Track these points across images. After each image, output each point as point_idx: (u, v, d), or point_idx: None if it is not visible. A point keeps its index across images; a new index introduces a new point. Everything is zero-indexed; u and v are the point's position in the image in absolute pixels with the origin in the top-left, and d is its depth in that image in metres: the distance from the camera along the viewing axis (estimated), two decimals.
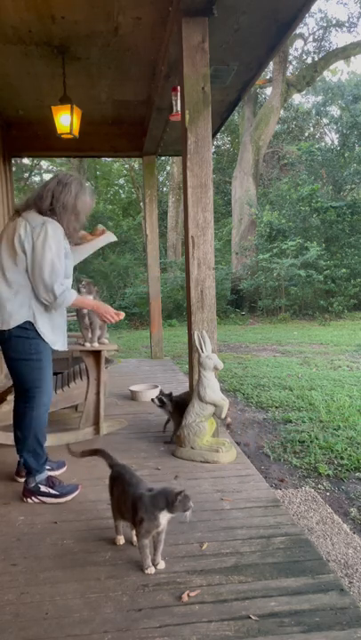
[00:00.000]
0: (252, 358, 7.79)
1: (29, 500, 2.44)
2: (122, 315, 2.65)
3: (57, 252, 2.30)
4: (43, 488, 2.45)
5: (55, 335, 2.45)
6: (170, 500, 1.73)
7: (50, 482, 2.48)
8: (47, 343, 2.41)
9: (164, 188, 20.43)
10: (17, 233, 2.31)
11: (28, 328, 2.36)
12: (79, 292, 3.20)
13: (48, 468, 2.62)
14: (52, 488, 2.46)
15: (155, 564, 1.83)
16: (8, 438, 3.17)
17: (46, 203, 2.36)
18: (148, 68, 4.22)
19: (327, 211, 13.48)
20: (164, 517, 1.77)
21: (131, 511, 1.82)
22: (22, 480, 2.64)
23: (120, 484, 1.95)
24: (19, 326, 2.34)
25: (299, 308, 13.54)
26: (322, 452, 3.73)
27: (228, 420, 3.11)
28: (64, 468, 2.79)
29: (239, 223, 15.15)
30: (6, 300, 2.34)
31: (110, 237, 2.90)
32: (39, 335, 2.37)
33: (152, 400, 3.20)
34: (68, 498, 2.45)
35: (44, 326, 2.38)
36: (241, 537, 2.06)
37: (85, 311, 3.20)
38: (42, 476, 2.48)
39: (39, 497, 2.44)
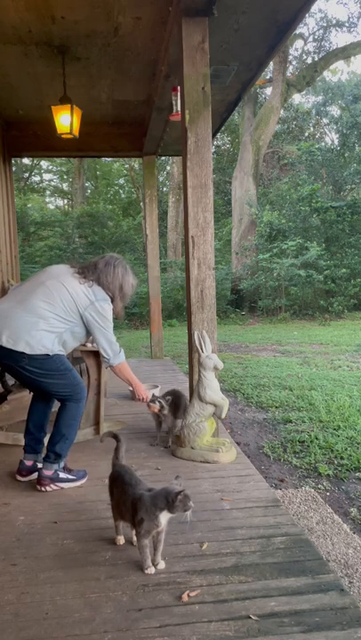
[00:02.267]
0: (252, 358, 7.79)
1: (47, 488, 2.51)
2: (148, 398, 2.93)
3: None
4: (62, 474, 2.56)
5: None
6: (170, 499, 1.73)
7: (67, 469, 2.61)
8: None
9: (164, 188, 20.43)
10: (81, 293, 2.51)
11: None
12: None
13: (73, 478, 2.66)
14: (69, 473, 2.58)
15: (155, 564, 1.83)
16: (8, 438, 3.18)
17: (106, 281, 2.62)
18: (148, 67, 4.22)
19: (327, 211, 13.48)
20: (165, 517, 1.77)
21: (131, 511, 1.82)
22: (23, 479, 2.65)
23: (120, 484, 1.95)
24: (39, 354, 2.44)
25: (299, 307, 13.54)
26: (322, 452, 3.73)
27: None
28: (85, 479, 2.82)
29: (239, 223, 15.14)
30: (37, 330, 2.41)
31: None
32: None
33: (154, 402, 3.13)
34: (83, 480, 2.61)
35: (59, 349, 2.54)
36: (241, 537, 2.06)
37: None
38: (62, 464, 2.58)
39: (58, 483, 2.53)
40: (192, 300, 3.00)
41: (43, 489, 2.52)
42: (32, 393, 2.77)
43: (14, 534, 2.13)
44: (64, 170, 22.04)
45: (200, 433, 2.94)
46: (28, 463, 2.68)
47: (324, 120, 19.46)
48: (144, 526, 1.76)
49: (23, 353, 2.37)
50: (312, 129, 20.32)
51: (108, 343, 2.59)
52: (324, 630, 1.51)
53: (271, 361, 7.43)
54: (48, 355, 2.43)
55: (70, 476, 2.58)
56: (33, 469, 2.66)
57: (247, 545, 1.99)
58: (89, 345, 3.26)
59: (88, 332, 2.59)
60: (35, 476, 2.61)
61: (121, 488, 1.92)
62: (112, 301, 2.62)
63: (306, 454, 3.72)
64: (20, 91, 4.66)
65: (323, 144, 18.23)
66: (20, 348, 2.36)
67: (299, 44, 18.25)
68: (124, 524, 1.99)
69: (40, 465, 2.60)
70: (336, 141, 18.21)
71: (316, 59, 16.45)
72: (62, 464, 2.58)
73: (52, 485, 2.52)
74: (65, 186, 23.62)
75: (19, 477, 2.68)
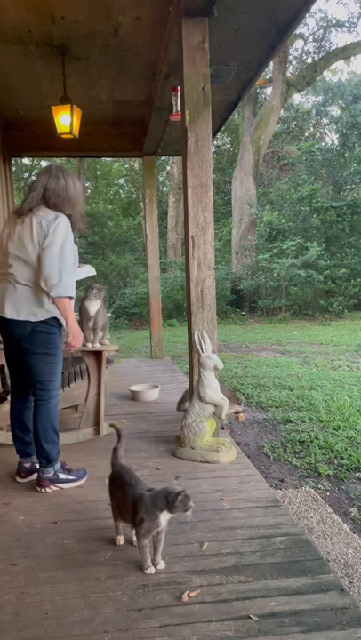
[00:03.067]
0: (252, 358, 7.79)
1: (47, 489, 2.51)
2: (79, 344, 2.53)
3: (67, 241, 2.38)
4: (61, 475, 2.55)
5: None
6: (170, 500, 1.73)
7: (65, 469, 2.60)
8: (62, 338, 2.51)
9: (164, 188, 20.43)
10: (33, 230, 2.38)
11: (52, 324, 2.46)
12: (88, 297, 3.25)
13: (73, 478, 2.65)
14: (69, 474, 2.58)
15: (155, 564, 1.83)
16: (8, 438, 3.18)
17: (46, 198, 2.45)
18: (148, 68, 4.22)
19: (327, 211, 13.48)
20: (165, 517, 1.77)
21: (131, 511, 1.82)
22: (23, 480, 2.66)
23: (120, 484, 1.95)
24: (43, 321, 2.43)
25: (299, 307, 13.54)
26: (322, 452, 3.73)
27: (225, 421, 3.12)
28: (85, 478, 2.80)
29: (239, 223, 15.14)
30: (34, 294, 2.41)
31: (90, 271, 2.98)
32: (61, 329, 2.49)
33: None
34: (84, 480, 2.60)
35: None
36: (241, 537, 2.06)
37: (92, 314, 3.25)
38: (58, 464, 2.57)
39: (58, 484, 2.53)
40: (192, 300, 3.00)
41: (42, 490, 2.52)
42: (9, 397, 2.74)
43: (14, 534, 2.13)
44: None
45: (200, 433, 2.94)
46: (27, 465, 2.69)
47: (324, 120, 19.47)
48: (144, 526, 1.76)
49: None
50: (312, 129, 20.32)
51: (52, 267, 2.30)
52: (324, 630, 1.51)
53: (271, 361, 7.43)
54: (50, 324, 2.45)
55: (70, 477, 2.58)
56: (32, 470, 2.67)
57: (247, 545, 1.99)
58: (89, 345, 3.26)
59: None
60: (35, 475, 2.62)
61: (121, 488, 1.92)
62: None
63: (306, 454, 3.72)
64: (20, 91, 4.66)
65: (323, 144, 18.23)
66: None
67: (299, 44, 18.27)
68: (124, 523, 1.99)
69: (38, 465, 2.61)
70: (336, 141, 18.21)
71: (316, 59, 16.44)
72: (58, 465, 2.57)
73: (51, 486, 2.52)
74: None
75: (18, 479, 2.69)
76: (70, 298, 2.40)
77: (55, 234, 2.35)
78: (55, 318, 2.46)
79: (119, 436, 2.16)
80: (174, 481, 1.82)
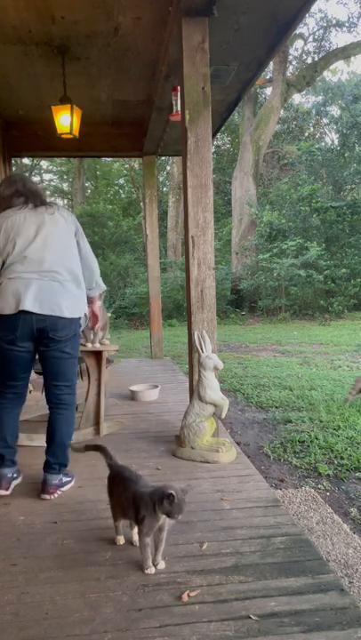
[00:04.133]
0: (252, 358, 7.79)
1: (54, 495, 2.46)
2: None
3: None
4: (64, 479, 2.54)
5: None
6: (157, 498, 1.71)
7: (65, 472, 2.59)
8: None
9: (164, 188, 20.43)
10: (67, 222, 2.46)
11: (80, 324, 2.50)
12: None
13: (68, 479, 2.63)
14: (66, 476, 2.56)
15: (155, 564, 1.83)
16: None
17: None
18: (148, 67, 4.22)
19: (327, 211, 13.48)
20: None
21: (133, 508, 1.82)
22: (50, 497, 2.48)
23: (120, 481, 1.95)
24: (79, 320, 2.47)
25: (299, 307, 13.54)
26: (322, 452, 3.73)
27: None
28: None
29: (239, 223, 15.14)
30: (75, 289, 2.46)
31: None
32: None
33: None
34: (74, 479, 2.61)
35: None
36: (241, 537, 2.05)
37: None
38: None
39: (61, 489, 2.51)
40: (192, 300, 3.00)
41: (50, 497, 2.44)
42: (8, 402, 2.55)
43: (14, 534, 2.13)
44: (64, 170, 22.04)
45: (200, 433, 2.94)
46: (9, 475, 2.54)
47: (324, 120, 19.47)
48: (146, 523, 1.76)
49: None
50: (312, 129, 20.32)
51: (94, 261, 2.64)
52: (324, 630, 1.50)
53: (271, 361, 7.43)
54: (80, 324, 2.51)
55: (66, 478, 2.56)
56: (13, 479, 2.57)
57: (247, 545, 1.99)
58: (89, 345, 3.26)
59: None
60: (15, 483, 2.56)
61: (122, 485, 1.92)
62: None
63: (306, 454, 3.72)
64: (20, 91, 4.66)
65: (323, 144, 18.23)
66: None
67: (299, 44, 18.26)
68: (125, 523, 1.99)
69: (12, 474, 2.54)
70: (336, 141, 18.21)
71: (316, 59, 16.44)
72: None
73: (57, 492, 2.48)
74: (65, 186, 23.62)
75: (5, 492, 2.49)
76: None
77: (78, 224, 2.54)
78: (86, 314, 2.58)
79: (97, 448, 2.14)
80: (182, 485, 1.78)
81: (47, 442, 2.50)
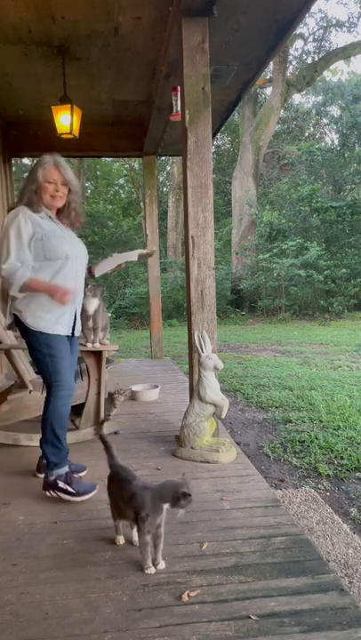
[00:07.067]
0: (252, 358, 7.79)
1: (48, 492, 2.44)
2: (68, 295, 2.38)
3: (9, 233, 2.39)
4: (60, 484, 2.42)
5: (48, 319, 2.43)
6: (178, 495, 1.75)
7: (68, 478, 2.45)
8: (50, 334, 2.44)
9: (164, 188, 20.42)
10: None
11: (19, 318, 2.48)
12: (84, 296, 3.21)
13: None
14: (69, 485, 2.42)
15: (155, 564, 1.83)
16: (8, 438, 3.18)
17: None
18: (148, 67, 4.22)
19: (327, 211, 13.48)
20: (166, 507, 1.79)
21: (130, 507, 1.82)
22: (41, 476, 2.56)
23: (117, 481, 1.95)
24: (15, 316, 2.47)
25: (299, 307, 13.54)
26: (322, 452, 3.73)
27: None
28: (83, 472, 2.73)
29: (239, 223, 15.14)
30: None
31: (132, 256, 2.96)
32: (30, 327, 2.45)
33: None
34: (84, 497, 2.40)
35: (31, 317, 2.43)
36: (241, 537, 2.05)
37: (90, 313, 3.22)
38: (60, 471, 2.45)
39: (57, 491, 2.43)
40: (192, 300, 3.00)
41: (45, 493, 2.44)
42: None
43: (14, 534, 2.13)
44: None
45: (200, 433, 2.94)
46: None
47: (324, 120, 19.47)
48: (149, 521, 1.76)
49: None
50: (312, 129, 20.32)
51: None
52: (324, 630, 1.50)
53: (271, 361, 7.43)
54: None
55: (70, 489, 2.42)
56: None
57: (247, 545, 1.99)
58: (89, 345, 3.26)
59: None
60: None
61: (119, 485, 1.93)
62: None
63: (306, 454, 3.72)
64: (20, 91, 4.67)
65: (323, 144, 18.25)
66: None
67: (299, 44, 18.26)
68: (124, 523, 1.99)
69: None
70: (336, 141, 18.22)
71: (316, 59, 16.43)
72: (62, 472, 2.45)
73: (50, 491, 2.44)
74: None
75: (37, 474, 2.67)
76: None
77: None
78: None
79: (105, 443, 2.14)
80: (180, 477, 1.83)
81: None
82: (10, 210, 2.48)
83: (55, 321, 2.46)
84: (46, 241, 2.41)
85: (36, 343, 2.45)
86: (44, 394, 2.56)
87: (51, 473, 2.46)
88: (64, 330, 2.50)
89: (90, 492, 2.43)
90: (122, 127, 5.78)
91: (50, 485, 2.45)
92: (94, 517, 2.25)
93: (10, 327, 3.35)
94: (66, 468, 2.48)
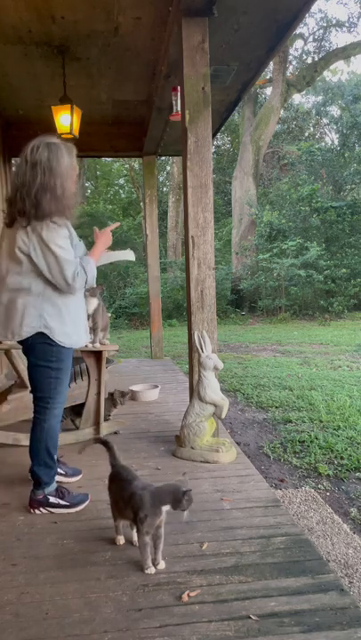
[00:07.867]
0: (252, 358, 7.79)
1: (36, 511, 2.32)
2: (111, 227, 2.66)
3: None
4: (52, 499, 2.33)
5: (77, 333, 2.33)
6: (179, 496, 1.75)
7: (59, 492, 2.35)
8: (69, 349, 2.31)
9: (164, 188, 20.43)
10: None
11: (47, 335, 2.23)
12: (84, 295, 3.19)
13: (62, 473, 2.59)
14: (61, 499, 2.33)
15: (155, 564, 1.83)
16: (8, 438, 3.18)
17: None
18: (148, 68, 4.22)
19: (327, 211, 13.48)
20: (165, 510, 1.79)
21: (130, 508, 1.82)
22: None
23: (118, 481, 1.95)
24: (37, 333, 2.22)
25: (299, 307, 13.53)
26: (322, 452, 3.73)
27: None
28: (79, 477, 2.69)
29: (239, 223, 15.14)
30: (14, 310, 2.22)
31: (128, 255, 2.84)
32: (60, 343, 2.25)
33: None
34: (79, 508, 2.33)
35: (63, 335, 2.25)
36: (241, 537, 2.06)
37: (90, 312, 3.21)
38: (51, 488, 2.35)
39: (47, 508, 2.32)
40: (192, 300, 3.00)
41: (32, 511, 2.33)
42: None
43: (14, 534, 2.13)
44: None
45: (200, 433, 2.94)
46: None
47: (324, 120, 19.48)
48: (148, 522, 1.76)
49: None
50: (312, 129, 20.33)
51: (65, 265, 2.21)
52: (324, 630, 1.51)
53: (271, 361, 7.43)
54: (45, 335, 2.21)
55: (63, 502, 2.33)
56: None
57: (247, 545, 1.99)
58: (89, 345, 3.26)
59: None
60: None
61: (119, 485, 1.93)
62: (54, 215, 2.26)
63: (306, 454, 3.72)
64: (20, 91, 4.67)
65: (323, 144, 18.25)
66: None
67: (299, 44, 18.26)
68: (124, 523, 1.99)
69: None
70: (336, 141, 18.22)
71: (316, 59, 16.43)
72: (51, 488, 2.35)
73: (41, 509, 2.33)
74: None
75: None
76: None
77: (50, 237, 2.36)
78: (41, 333, 2.25)
79: (105, 444, 2.12)
80: (180, 477, 1.83)
81: None
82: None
83: (84, 331, 2.37)
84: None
85: (50, 355, 2.25)
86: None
87: (41, 492, 2.33)
88: (86, 337, 2.40)
89: (84, 502, 2.37)
90: (122, 127, 5.78)
91: (39, 503, 2.32)
92: (94, 517, 2.25)
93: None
94: (55, 484, 2.38)
